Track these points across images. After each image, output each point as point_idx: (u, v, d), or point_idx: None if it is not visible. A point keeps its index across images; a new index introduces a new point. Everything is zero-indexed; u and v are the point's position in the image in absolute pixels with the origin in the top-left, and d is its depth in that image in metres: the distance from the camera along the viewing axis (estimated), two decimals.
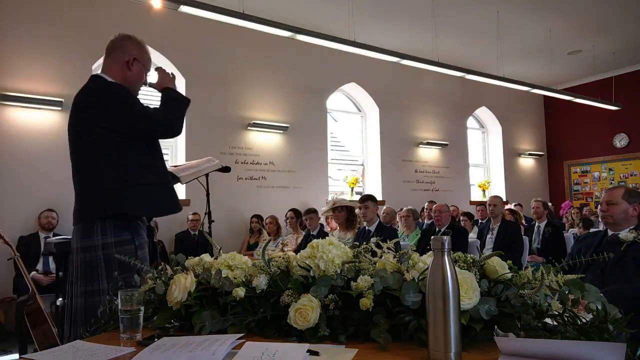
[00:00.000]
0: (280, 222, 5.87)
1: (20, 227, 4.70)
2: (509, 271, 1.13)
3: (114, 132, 1.81)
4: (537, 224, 5.49)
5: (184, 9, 3.92)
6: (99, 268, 1.76)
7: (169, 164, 2.55)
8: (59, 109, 5.04)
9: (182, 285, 1.22)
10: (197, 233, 5.53)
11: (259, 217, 6.05)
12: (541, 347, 0.88)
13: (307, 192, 6.83)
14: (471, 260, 1.14)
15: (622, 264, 2.19)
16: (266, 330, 1.16)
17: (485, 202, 5.31)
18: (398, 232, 5.21)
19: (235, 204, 6.19)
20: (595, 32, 7.16)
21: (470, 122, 9.26)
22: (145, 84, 2.05)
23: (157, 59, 5.74)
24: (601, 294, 1.09)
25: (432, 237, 1.00)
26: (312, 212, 4.86)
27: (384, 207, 6.20)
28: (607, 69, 8.55)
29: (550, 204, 7.35)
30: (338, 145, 8.01)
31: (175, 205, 1.96)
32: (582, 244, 2.52)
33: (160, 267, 1.36)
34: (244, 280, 1.25)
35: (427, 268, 1.02)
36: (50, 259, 4.36)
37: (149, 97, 4.88)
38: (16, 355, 3.74)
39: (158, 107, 1.94)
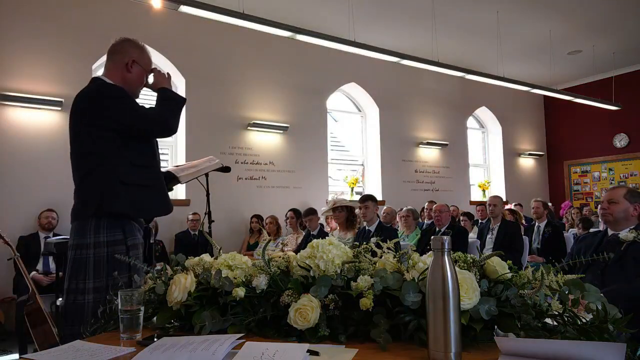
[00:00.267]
0: (280, 222, 5.87)
1: (20, 227, 4.70)
2: (509, 271, 1.13)
3: (110, 132, 1.83)
4: (537, 224, 5.50)
5: (184, 9, 3.92)
6: (87, 267, 1.77)
7: (169, 164, 2.56)
8: (59, 109, 5.04)
9: (182, 285, 1.22)
10: (197, 233, 5.53)
11: (259, 217, 6.05)
12: (541, 347, 0.88)
13: (307, 192, 6.83)
14: (471, 260, 1.14)
15: (622, 264, 2.19)
16: (266, 330, 1.16)
17: (485, 202, 5.31)
18: (398, 232, 5.21)
19: (235, 204, 6.19)
20: (595, 32, 7.16)
21: (470, 122, 9.26)
22: (145, 85, 2.07)
23: (157, 59, 5.74)
24: (601, 294, 1.09)
25: (432, 237, 1.00)
26: (311, 213, 4.86)
27: (384, 207, 6.19)
28: (607, 69, 8.55)
29: (550, 204, 7.34)
30: (338, 145, 8.01)
31: (164, 207, 1.97)
32: (582, 244, 2.52)
33: (160, 267, 1.37)
34: (244, 280, 1.25)
35: (427, 268, 1.02)
36: (50, 259, 4.36)
37: (149, 98, 4.88)
38: (16, 355, 3.74)
39: (154, 106, 1.97)
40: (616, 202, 2.36)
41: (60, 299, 3.18)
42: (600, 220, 5.73)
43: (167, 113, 1.94)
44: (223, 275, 1.21)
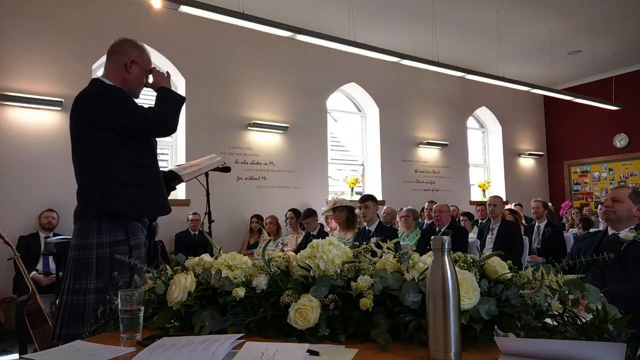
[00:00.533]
0: (280, 222, 5.87)
1: (20, 227, 4.70)
2: (509, 271, 1.13)
3: (110, 132, 1.83)
4: (537, 224, 5.49)
5: (184, 9, 3.92)
6: (90, 267, 1.77)
7: (169, 164, 2.56)
8: (59, 109, 5.04)
9: (182, 285, 1.22)
10: (197, 233, 5.53)
11: (259, 217, 6.05)
12: (541, 347, 0.88)
13: (307, 192, 6.83)
14: (471, 260, 1.14)
15: (622, 263, 2.19)
16: (266, 330, 1.16)
17: (485, 202, 5.31)
18: (398, 232, 5.21)
19: (235, 204, 6.19)
20: (595, 32, 7.16)
21: (470, 122, 9.26)
22: (145, 85, 2.07)
23: (157, 59, 5.74)
24: (601, 294, 1.09)
25: (432, 237, 1.00)
26: (309, 215, 4.84)
27: (384, 207, 6.20)
28: (607, 69, 8.55)
29: (550, 204, 7.34)
30: (338, 145, 8.01)
31: (163, 207, 1.98)
32: (582, 244, 2.52)
33: (160, 267, 1.36)
34: (244, 280, 1.25)
35: (427, 268, 1.02)
36: (50, 259, 4.36)
37: (149, 97, 4.88)
38: (16, 355, 3.74)
39: (153, 106, 1.97)
40: (620, 201, 2.36)
41: (59, 299, 3.18)
42: (600, 219, 5.76)
43: (166, 113, 1.94)
44: (223, 275, 1.21)
